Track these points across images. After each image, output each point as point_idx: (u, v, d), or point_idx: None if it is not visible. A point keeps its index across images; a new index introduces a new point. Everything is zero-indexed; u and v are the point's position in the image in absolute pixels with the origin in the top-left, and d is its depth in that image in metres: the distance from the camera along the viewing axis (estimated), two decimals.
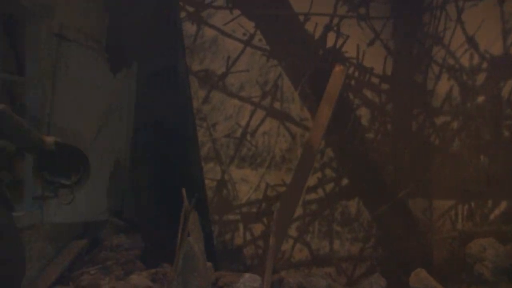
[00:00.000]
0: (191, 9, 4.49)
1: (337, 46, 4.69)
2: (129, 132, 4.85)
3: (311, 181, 4.47)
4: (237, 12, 4.53)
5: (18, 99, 4.09)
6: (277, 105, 4.49)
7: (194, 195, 3.17)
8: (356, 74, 4.70)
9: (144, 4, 4.99)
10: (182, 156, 4.67)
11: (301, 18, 4.65)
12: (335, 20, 4.68)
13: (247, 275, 3.60)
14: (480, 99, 4.23)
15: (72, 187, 2.69)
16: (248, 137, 4.37)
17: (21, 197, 3.73)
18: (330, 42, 4.69)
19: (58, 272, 3.91)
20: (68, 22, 3.97)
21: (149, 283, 3.82)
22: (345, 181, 4.61)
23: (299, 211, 4.39)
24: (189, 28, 4.48)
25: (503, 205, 3.99)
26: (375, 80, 4.74)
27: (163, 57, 4.94)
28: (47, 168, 2.68)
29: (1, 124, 2.27)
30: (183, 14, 4.49)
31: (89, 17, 4.43)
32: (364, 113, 4.72)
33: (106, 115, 4.42)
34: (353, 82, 4.70)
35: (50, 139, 2.53)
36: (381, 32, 4.72)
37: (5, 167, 3.93)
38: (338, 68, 4.37)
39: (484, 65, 4.22)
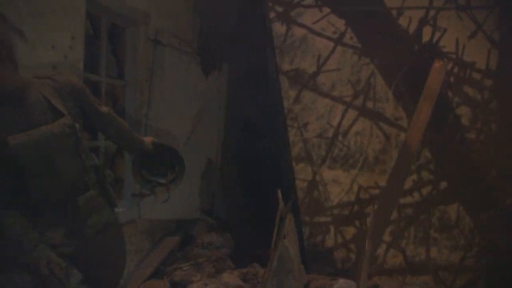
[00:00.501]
0: (280, 9, 4.47)
1: (434, 41, 4.41)
2: (220, 133, 4.93)
3: (406, 183, 4.24)
4: (326, 10, 4.43)
5: (118, 102, 4.32)
6: (369, 104, 4.33)
7: (290, 197, 3.12)
8: (456, 70, 4.39)
9: (233, 7, 5.05)
10: (272, 155, 4.66)
11: (394, 13, 4.44)
12: (431, 13, 4.40)
13: (341, 280, 3.48)
14: None
15: (168, 186, 2.76)
16: (340, 137, 4.25)
17: (121, 194, 3.92)
18: (425, 37, 4.42)
19: (154, 266, 4.05)
20: (162, 27, 4.10)
21: (240, 282, 3.82)
22: (443, 185, 4.32)
23: (393, 215, 4.18)
24: (278, 28, 4.46)
25: None
26: (476, 76, 4.39)
27: (252, 57, 4.97)
28: (145, 167, 2.78)
29: (107, 126, 2.39)
30: (272, 15, 4.48)
31: (182, 22, 4.55)
32: (464, 112, 4.40)
33: (198, 116, 4.52)
34: (452, 79, 4.40)
35: (148, 140, 2.62)
36: (484, 23, 4.36)
37: (108, 166, 4.17)
38: (438, 64, 4.10)
39: None
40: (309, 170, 4.21)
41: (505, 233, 4.22)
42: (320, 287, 3.63)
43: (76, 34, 2.98)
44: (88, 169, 2.21)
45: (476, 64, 4.37)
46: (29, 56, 2.59)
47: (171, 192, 2.77)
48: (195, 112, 4.46)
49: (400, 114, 4.34)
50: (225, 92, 4.98)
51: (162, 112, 4.02)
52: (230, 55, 4.96)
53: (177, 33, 4.36)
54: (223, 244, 4.50)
